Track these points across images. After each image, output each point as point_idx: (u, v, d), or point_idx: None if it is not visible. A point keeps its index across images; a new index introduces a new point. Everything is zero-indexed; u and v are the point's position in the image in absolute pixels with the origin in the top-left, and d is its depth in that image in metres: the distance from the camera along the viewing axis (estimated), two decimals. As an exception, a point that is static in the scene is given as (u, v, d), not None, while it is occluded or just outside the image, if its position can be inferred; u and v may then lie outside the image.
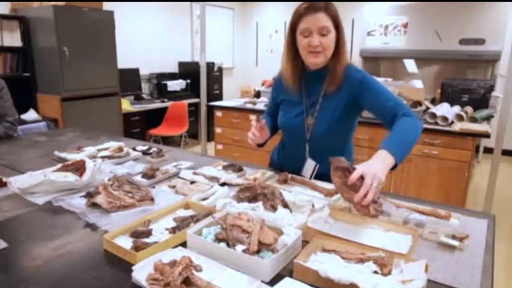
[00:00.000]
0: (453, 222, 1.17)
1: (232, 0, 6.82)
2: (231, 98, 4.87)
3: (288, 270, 0.92)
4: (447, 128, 2.97)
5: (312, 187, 1.43)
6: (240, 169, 1.62)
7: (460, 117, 3.10)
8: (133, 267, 0.88)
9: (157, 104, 5.08)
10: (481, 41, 4.63)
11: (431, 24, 4.89)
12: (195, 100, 5.53)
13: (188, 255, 0.90)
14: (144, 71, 5.34)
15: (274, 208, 1.17)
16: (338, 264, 0.90)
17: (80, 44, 3.79)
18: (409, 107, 1.39)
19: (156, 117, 5.10)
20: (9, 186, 1.42)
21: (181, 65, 5.94)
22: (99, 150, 1.89)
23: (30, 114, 3.72)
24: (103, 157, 1.77)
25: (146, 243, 0.98)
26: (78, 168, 1.46)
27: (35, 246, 1.03)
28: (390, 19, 5.21)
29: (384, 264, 0.87)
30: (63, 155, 1.82)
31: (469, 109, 3.32)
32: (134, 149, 1.96)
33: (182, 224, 1.09)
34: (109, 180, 1.32)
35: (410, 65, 5.40)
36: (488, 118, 3.17)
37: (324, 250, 0.97)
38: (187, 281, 0.83)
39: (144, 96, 5.23)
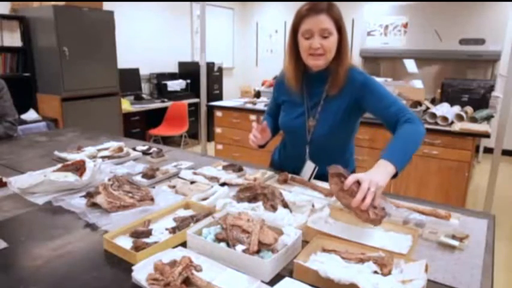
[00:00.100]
0: (453, 222, 1.17)
1: (232, 0, 6.83)
2: (231, 98, 4.87)
3: (288, 270, 0.92)
4: (447, 128, 2.97)
5: (312, 187, 1.43)
6: (240, 169, 1.62)
7: (460, 117, 3.10)
8: (133, 267, 0.88)
9: (157, 104, 5.08)
10: (481, 41, 4.63)
11: (431, 24, 4.89)
12: (195, 100, 5.53)
13: (188, 255, 0.90)
14: (144, 71, 5.34)
15: (274, 208, 1.17)
16: (338, 264, 0.90)
17: (80, 44, 3.79)
18: (413, 111, 1.38)
19: (156, 117, 5.10)
20: (9, 186, 1.42)
21: (181, 65, 5.94)
22: (99, 150, 1.89)
23: (30, 114, 3.72)
24: (103, 157, 1.77)
25: (146, 243, 0.98)
26: (78, 168, 1.46)
27: (35, 246, 1.03)
28: (390, 19, 5.21)
29: (383, 264, 0.87)
30: (63, 155, 1.82)
31: (469, 109, 3.32)
32: (134, 149, 1.96)
33: (182, 224, 1.09)
34: (109, 180, 1.32)
35: (410, 65, 5.40)
36: (488, 118, 3.17)
37: (324, 250, 0.97)
38: (187, 281, 0.83)
39: (144, 96, 5.23)
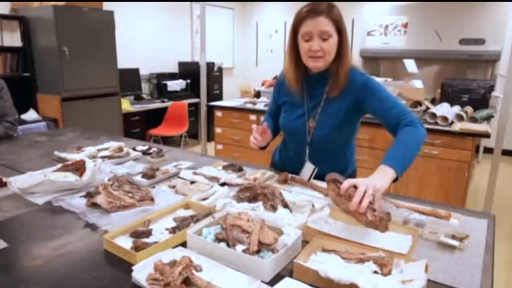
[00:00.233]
0: (453, 222, 1.17)
1: (232, 0, 6.83)
2: (231, 98, 4.87)
3: (288, 270, 0.92)
4: (447, 128, 2.97)
5: (312, 187, 1.43)
6: (240, 169, 1.62)
7: (460, 117, 3.10)
8: (133, 267, 0.88)
9: (157, 104, 5.08)
10: (481, 41, 4.63)
11: (431, 24, 4.89)
12: (195, 100, 5.53)
13: (188, 255, 0.90)
14: (144, 71, 5.34)
15: (274, 208, 1.17)
16: (338, 264, 0.90)
17: (80, 44, 3.79)
18: (413, 112, 1.38)
19: (156, 117, 5.10)
20: (9, 186, 1.42)
21: (181, 65, 5.94)
22: (99, 150, 1.89)
23: (30, 114, 3.72)
24: (103, 157, 1.77)
25: (146, 243, 0.98)
26: (78, 168, 1.46)
27: (35, 246, 1.03)
28: (390, 19, 5.21)
29: (383, 264, 0.87)
30: (63, 155, 1.82)
31: (469, 109, 3.32)
32: (134, 149, 1.96)
33: (182, 224, 1.09)
34: (109, 180, 1.32)
35: (410, 65, 5.40)
36: (488, 118, 3.17)
37: (324, 250, 0.97)
38: (187, 281, 0.83)
39: (144, 96, 5.23)
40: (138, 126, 4.84)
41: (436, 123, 3.06)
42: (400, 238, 1.04)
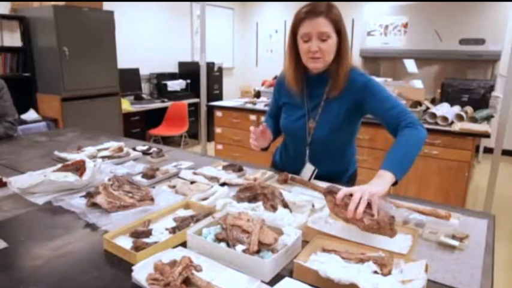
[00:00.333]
0: (453, 222, 1.17)
1: (232, 0, 6.83)
2: (231, 98, 4.87)
3: (288, 270, 0.92)
4: (447, 128, 2.97)
5: (312, 187, 1.43)
6: (240, 169, 1.62)
7: (460, 117, 3.10)
8: (133, 267, 0.88)
9: (157, 104, 5.08)
10: (481, 41, 4.63)
11: (431, 24, 4.89)
12: (195, 100, 5.53)
13: (188, 255, 0.90)
14: (144, 71, 5.34)
15: (274, 208, 1.17)
16: (338, 264, 0.90)
17: (80, 44, 3.79)
18: (413, 112, 1.38)
19: (156, 117, 5.10)
20: (9, 186, 1.42)
21: (181, 65, 5.94)
22: (99, 150, 1.89)
23: (30, 114, 3.72)
24: (103, 157, 1.77)
25: (146, 243, 0.98)
26: (78, 168, 1.46)
27: (35, 246, 1.03)
28: (390, 19, 5.21)
29: (383, 264, 0.87)
30: (63, 155, 1.82)
31: (469, 109, 3.32)
32: (134, 149, 1.96)
33: (182, 224, 1.09)
34: (109, 180, 1.32)
35: (410, 65, 5.40)
36: (488, 118, 3.17)
37: (324, 250, 0.97)
38: (187, 281, 0.83)
39: (144, 96, 5.23)
40: (138, 126, 4.84)
41: (436, 123, 3.06)
42: (400, 238, 1.04)
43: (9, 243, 1.03)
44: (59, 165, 1.52)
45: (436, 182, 3.05)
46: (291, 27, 1.40)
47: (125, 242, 1.00)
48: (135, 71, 5.18)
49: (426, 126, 2.95)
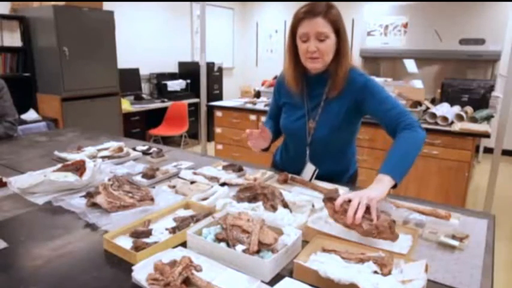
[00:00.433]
0: (453, 222, 1.17)
1: (232, 0, 6.83)
2: (231, 98, 4.87)
3: (288, 270, 0.92)
4: (447, 128, 2.97)
5: (312, 187, 1.43)
6: (240, 169, 1.62)
7: (460, 117, 3.10)
8: (133, 267, 0.88)
9: (157, 104, 5.08)
10: (481, 41, 4.63)
11: (431, 24, 4.89)
12: (195, 100, 5.53)
13: (188, 255, 0.90)
14: (144, 71, 5.34)
15: (274, 208, 1.17)
16: (338, 264, 0.90)
17: (80, 44, 3.79)
18: (412, 113, 1.38)
19: (156, 117, 5.10)
20: (9, 186, 1.42)
21: (181, 65, 5.94)
22: (99, 150, 1.89)
23: (30, 114, 3.72)
24: (103, 157, 1.77)
25: (146, 243, 0.98)
26: (78, 168, 1.46)
27: (35, 246, 1.03)
28: (390, 19, 5.21)
29: (383, 264, 0.87)
30: (63, 155, 1.82)
31: (469, 109, 3.32)
32: (134, 149, 1.96)
33: (182, 224, 1.09)
34: (109, 180, 1.32)
35: (410, 65, 5.40)
36: (488, 118, 3.17)
37: (324, 250, 0.97)
38: (187, 281, 0.83)
39: (144, 96, 5.23)
40: (138, 126, 4.84)
41: (436, 123, 3.06)
42: (400, 238, 1.04)
43: (9, 243, 1.03)
44: (59, 165, 1.52)
45: (436, 182, 3.05)
46: (290, 27, 1.40)
47: (125, 242, 1.00)
48: (135, 71, 5.18)
49: (426, 126, 2.99)
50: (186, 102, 5.22)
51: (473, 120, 3.11)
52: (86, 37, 3.84)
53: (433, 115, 3.09)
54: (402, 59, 5.37)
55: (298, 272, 0.89)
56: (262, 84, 4.58)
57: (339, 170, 1.57)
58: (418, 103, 3.23)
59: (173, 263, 0.87)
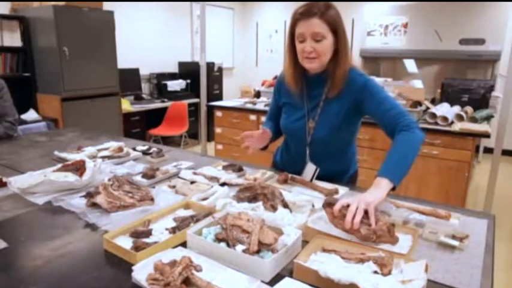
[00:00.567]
0: (453, 222, 1.17)
1: (232, 0, 6.83)
2: (231, 98, 4.87)
3: (288, 270, 0.92)
4: (447, 128, 2.97)
5: (312, 187, 1.43)
6: (240, 169, 1.63)
7: (460, 117, 3.10)
8: (133, 267, 0.88)
9: (157, 104, 5.08)
10: (481, 41, 4.63)
11: (431, 24, 4.89)
12: (195, 100, 5.53)
13: (188, 255, 0.90)
14: (144, 71, 5.34)
15: (274, 208, 1.17)
16: (338, 264, 0.90)
17: (80, 44, 3.79)
18: (410, 113, 1.38)
19: (156, 117, 5.10)
20: (9, 186, 1.42)
21: (181, 65, 5.94)
22: (99, 150, 1.89)
23: (30, 114, 3.72)
24: (103, 157, 1.77)
25: (146, 243, 0.98)
26: (78, 168, 1.46)
27: (35, 246, 1.03)
28: (390, 19, 5.21)
29: (383, 264, 0.87)
30: (63, 155, 1.82)
31: (469, 109, 3.32)
32: (134, 149, 1.96)
33: (182, 224, 1.09)
34: (109, 180, 1.32)
35: (410, 65, 5.40)
36: (488, 118, 3.17)
37: (324, 250, 0.97)
38: (187, 281, 0.83)
39: (144, 96, 5.23)
40: (138, 126, 4.84)
41: (436, 123, 3.06)
42: (400, 238, 1.04)
43: (9, 243, 1.03)
44: (59, 165, 1.52)
45: (436, 182, 3.05)
46: (289, 27, 1.41)
47: (125, 242, 1.00)
48: (135, 71, 5.18)
49: (426, 126, 2.99)
50: (186, 102, 5.22)
51: (473, 120, 3.11)
52: (86, 37, 3.84)
53: (433, 115, 3.09)
54: (402, 59, 5.37)
55: (298, 272, 0.89)
56: (262, 84, 4.58)
57: (339, 170, 1.57)
58: (418, 103, 3.23)
59: (173, 263, 0.87)
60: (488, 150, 4.73)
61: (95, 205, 1.24)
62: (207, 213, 1.13)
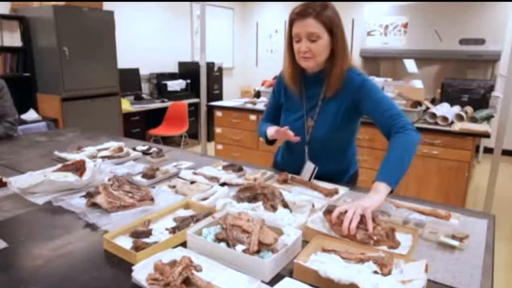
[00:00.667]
0: (453, 222, 1.17)
1: (232, 0, 6.83)
2: (231, 98, 4.87)
3: (288, 270, 0.92)
4: (447, 128, 2.97)
5: (312, 187, 1.43)
6: (240, 169, 1.62)
7: (460, 117, 3.10)
8: (133, 267, 0.88)
9: (157, 104, 5.08)
10: (481, 41, 4.63)
11: (431, 24, 4.89)
12: (195, 100, 5.53)
13: (188, 255, 0.90)
14: (144, 71, 5.34)
15: (274, 208, 1.17)
16: (338, 264, 0.90)
17: (80, 44, 3.79)
18: (407, 116, 1.38)
19: (156, 117, 5.10)
20: (9, 186, 1.42)
21: (181, 65, 5.94)
22: (99, 150, 1.89)
23: (30, 114, 3.72)
24: (103, 157, 1.77)
25: (146, 243, 0.98)
26: (78, 168, 1.46)
27: (35, 246, 1.03)
28: (390, 19, 5.20)
29: (383, 264, 0.87)
30: (63, 155, 1.82)
31: (469, 109, 3.32)
32: (134, 149, 1.96)
33: (182, 224, 1.09)
34: (109, 180, 1.32)
35: (410, 65, 5.40)
36: (488, 118, 3.17)
37: (324, 250, 0.97)
38: (187, 281, 0.83)
39: (144, 96, 5.23)
40: (138, 126, 4.84)
41: (436, 123, 3.06)
42: (400, 238, 1.04)
43: (9, 243, 1.03)
44: (59, 165, 1.52)
45: (436, 182, 3.05)
46: (287, 27, 1.41)
47: (125, 242, 1.00)
48: (135, 71, 5.18)
49: (426, 126, 2.99)
50: (186, 102, 5.22)
51: (473, 120, 3.11)
52: (86, 37, 3.84)
53: (433, 115, 3.09)
54: (402, 59, 5.37)
55: (298, 272, 0.89)
56: (262, 84, 4.58)
57: (339, 170, 1.57)
58: (418, 103, 3.23)
59: (173, 263, 0.87)
60: (488, 150, 4.73)
61: (95, 205, 1.24)
62: (207, 213, 1.13)
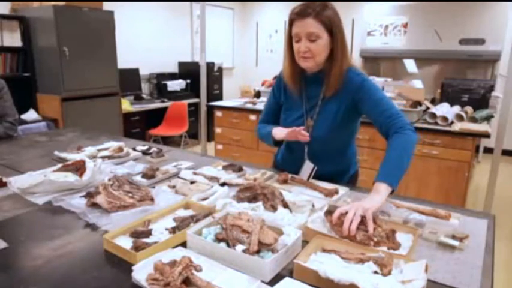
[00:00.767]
0: (453, 222, 1.17)
1: (232, 0, 6.82)
2: (231, 98, 4.87)
3: (288, 270, 0.92)
4: (447, 128, 2.97)
5: (312, 187, 1.43)
6: (240, 169, 1.62)
7: (460, 117, 3.10)
8: (133, 267, 0.88)
9: (157, 104, 5.08)
10: (481, 41, 4.63)
11: (431, 24, 4.89)
12: (195, 100, 5.53)
13: (188, 255, 0.90)
14: (144, 71, 5.34)
15: (274, 208, 1.17)
16: (338, 264, 0.90)
17: (80, 44, 3.79)
18: (409, 116, 1.38)
19: (156, 117, 5.10)
20: (9, 186, 1.42)
21: (181, 65, 5.94)
22: (99, 150, 1.89)
23: (30, 114, 3.72)
24: (103, 157, 1.77)
25: (146, 243, 0.98)
26: (78, 168, 1.46)
27: (35, 246, 1.03)
28: (390, 19, 5.20)
29: (383, 264, 0.87)
30: (63, 155, 1.82)
31: (469, 109, 3.32)
32: (134, 149, 1.96)
33: (182, 224, 1.09)
34: (109, 180, 1.32)
35: (410, 65, 5.40)
36: (488, 118, 3.17)
37: (324, 250, 0.97)
38: (187, 281, 0.83)
39: (144, 96, 5.23)
40: (138, 126, 4.84)
41: (436, 123, 3.06)
42: (401, 238, 1.04)
43: (9, 243, 1.03)
44: (59, 165, 1.52)
45: (436, 182, 3.05)
46: (287, 27, 1.41)
47: (125, 242, 1.00)
48: (135, 71, 5.18)
49: (426, 126, 2.99)
50: (186, 102, 5.22)
51: (473, 120, 3.11)
52: (86, 37, 3.84)
53: (433, 115, 3.09)
54: (402, 59, 5.37)
55: (298, 272, 0.89)
56: (262, 84, 4.58)
57: (339, 170, 1.57)
58: (418, 103, 3.23)
59: (173, 263, 0.87)
60: (488, 150, 4.73)
61: (95, 205, 1.24)
62: (207, 213, 1.13)
